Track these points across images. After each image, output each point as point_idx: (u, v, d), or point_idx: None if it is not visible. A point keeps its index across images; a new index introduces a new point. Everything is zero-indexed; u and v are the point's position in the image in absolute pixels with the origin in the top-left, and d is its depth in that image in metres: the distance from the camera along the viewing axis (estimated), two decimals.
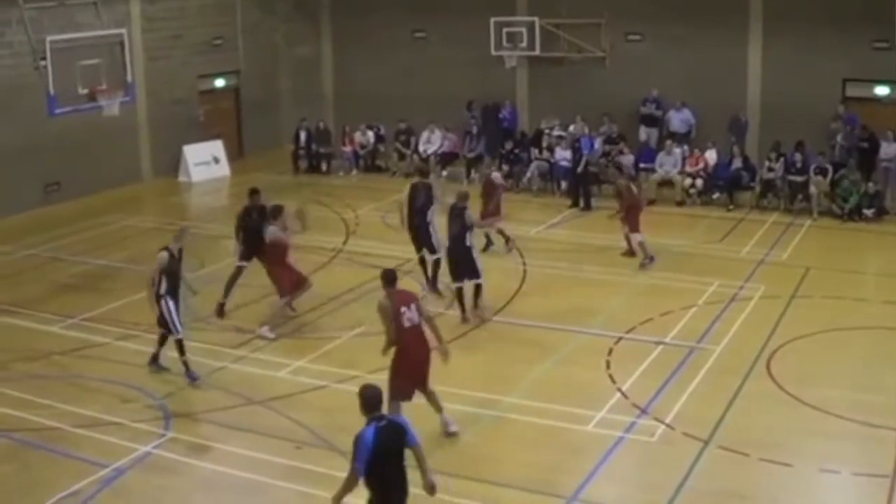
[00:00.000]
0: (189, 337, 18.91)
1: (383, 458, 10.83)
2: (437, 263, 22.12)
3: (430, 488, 11.32)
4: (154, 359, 18.46)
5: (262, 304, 21.30)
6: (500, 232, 24.99)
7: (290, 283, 20.44)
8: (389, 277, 15.51)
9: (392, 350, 15.34)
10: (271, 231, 20.28)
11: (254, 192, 21.57)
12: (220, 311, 21.12)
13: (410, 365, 15.28)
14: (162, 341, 18.39)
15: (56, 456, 15.20)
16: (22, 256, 26.29)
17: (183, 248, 18.57)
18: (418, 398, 15.39)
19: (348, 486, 10.93)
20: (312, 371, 18.31)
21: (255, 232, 20.81)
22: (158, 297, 17.94)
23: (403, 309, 15.10)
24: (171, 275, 18.09)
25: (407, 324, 15.11)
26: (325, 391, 17.47)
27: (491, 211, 24.73)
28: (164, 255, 18.10)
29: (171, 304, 17.98)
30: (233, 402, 17.06)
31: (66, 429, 16.04)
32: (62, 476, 14.50)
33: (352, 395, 16.80)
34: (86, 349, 19.54)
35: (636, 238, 24.24)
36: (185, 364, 18.15)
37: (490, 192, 25.20)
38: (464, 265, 20.69)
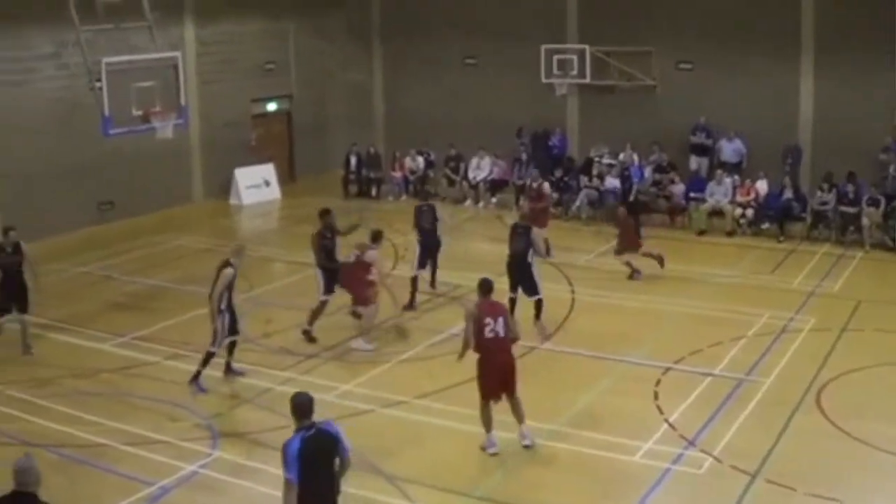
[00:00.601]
0: (239, 357, 19.04)
1: (311, 467, 10.83)
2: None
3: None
4: (229, 367, 18.94)
5: (314, 326, 21.34)
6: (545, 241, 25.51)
7: (371, 293, 20.86)
8: (485, 287, 16.04)
9: (466, 354, 15.88)
10: (370, 255, 20.85)
11: (325, 213, 21.68)
12: (310, 338, 21.17)
13: (489, 372, 15.63)
14: (231, 349, 18.93)
15: (103, 472, 15.29)
16: (75, 274, 26.53)
17: (238, 266, 18.75)
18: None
19: (286, 497, 10.87)
20: (359, 395, 18.30)
21: (329, 252, 21.12)
22: (219, 311, 18.31)
23: (488, 320, 15.50)
24: (231, 290, 18.49)
25: (489, 335, 15.49)
26: (371, 415, 17.45)
27: (541, 223, 25.48)
28: (231, 271, 18.46)
29: (226, 319, 18.38)
30: (280, 423, 17.01)
31: (113, 446, 16.13)
32: (108, 492, 14.60)
33: (398, 420, 17.04)
34: (135, 367, 19.66)
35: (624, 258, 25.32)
36: (198, 374, 18.56)
37: (537, 201, 26.81)
38: (523, 281, 21.34)
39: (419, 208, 24.39)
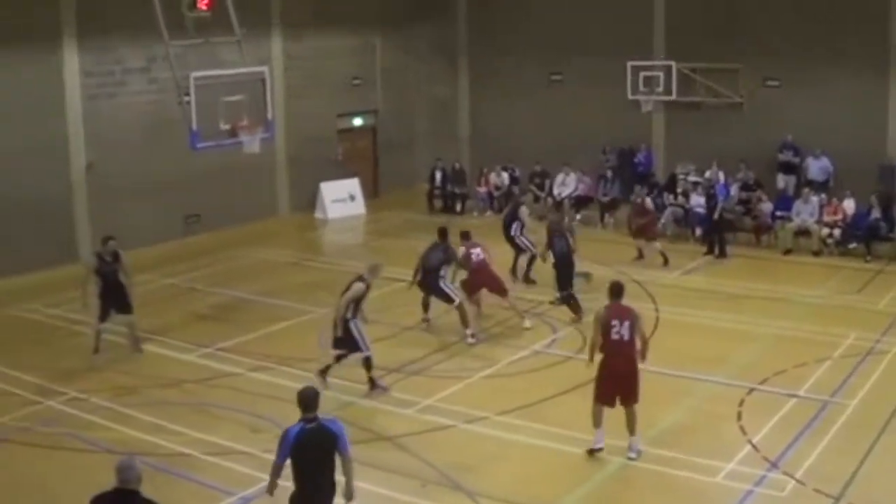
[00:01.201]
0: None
1: (306, 458, 11.46)
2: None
3: (348, 496, 12.00)
4: (324, 372, 19.07)
5: (397, 340, 21.41)
6: (662, 253, 28.27)
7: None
8: (615, 290, 16.28)
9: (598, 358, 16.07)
10: (477, 250, 23.02)
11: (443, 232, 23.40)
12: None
13: (609, 375, 15.90)
14: (338, 359, 19.16)
15: (185, 481, 15.42)
16: (161, 286, 26.83)
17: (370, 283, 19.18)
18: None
19: (272, 474, 11.79)
20: (442, 410, 18.30)
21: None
22: (346, 321, 18.66)
23: (615, 322, 15.74)
24: (359, 302, 18.86)
25: (615, 336, 15.75)
26: (453, 430, 17.45)
27: (649, 234, 28.67)
28: (362, 286, 18.86)
29: (358, 325, 18.81)
30: (361, 437, 17.10)
31: (196, 455, 16.28)
32: (190, 501, 14.75)
33: (480, 436, 17.02)
34: (218, 378, 19.83)
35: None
36: (372, 380, 19.01)
37: (642, 216, 28.91)
38: (565, 277, 23.73)
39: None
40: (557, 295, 23.94)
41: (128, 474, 10.06)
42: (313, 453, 11.51)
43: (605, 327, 15.78)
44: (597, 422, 16.10)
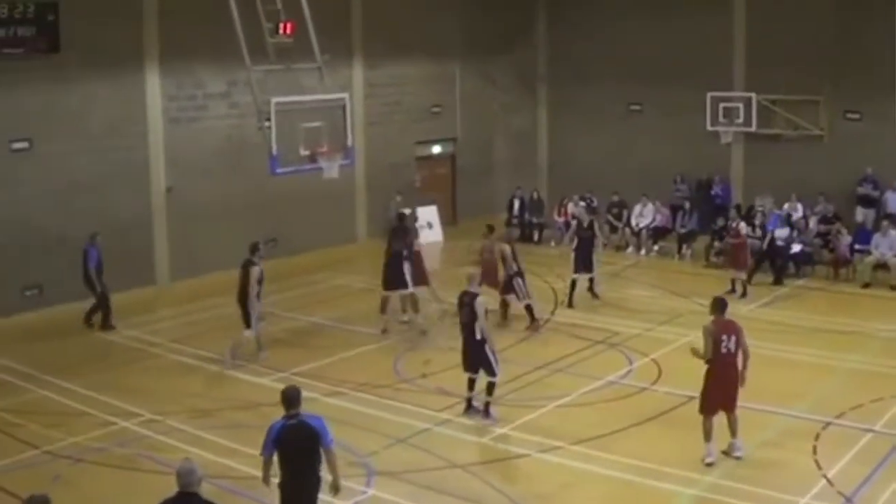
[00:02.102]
0: (396, 397, 19.14)
1: (289, 452, 12.26)
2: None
3: (334, 489, 12.67)
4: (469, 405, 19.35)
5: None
6: (743, 282, 28.14)
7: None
8: (720, 305, 17.18)
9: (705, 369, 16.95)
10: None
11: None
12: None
13: (717, 385, 16.86)
14: (470, 385, 19.27)
15: None
16: (235, 310, 26.96)
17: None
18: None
19: (262, 467, 12.55)
20: (515, 439, 18.25)
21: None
22: (483, 342, 18.75)
23: (724, 337, 16.68)
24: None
25: (723, 350, 16.68)
26: (526, 459, 17.40)
27: (741, 261, 28.18)
28: (484, 299, 19.18)
29: (492, 348, 18.92)
30: (435, 464, 17.13)
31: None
32: None
33: (554, 466, 16.96)
34: None
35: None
36: (487, 406, 19.12)
37: (735, 238, 28.44)
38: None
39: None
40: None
41: (189, 478, 10.59)
42: (295, 447, 12.24)
43: (715, 340, 16.62)
44: (708, 436, 16.92)
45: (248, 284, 22.47)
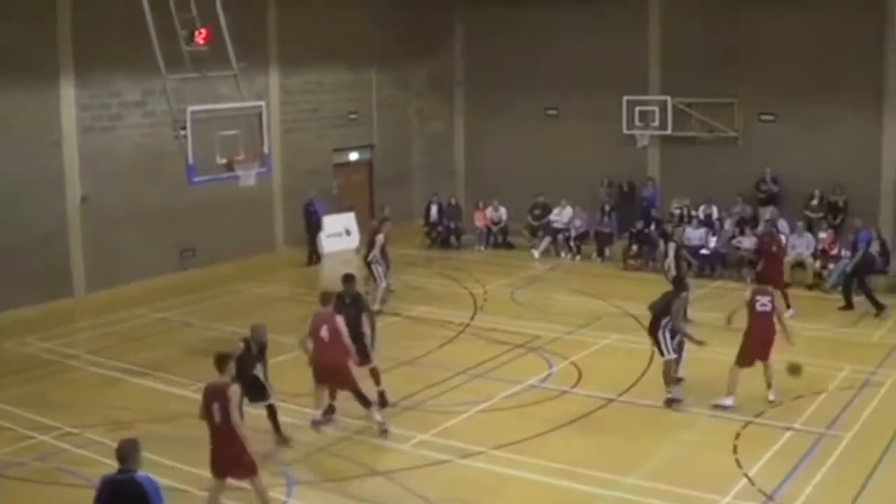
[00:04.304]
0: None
1: None
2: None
3: None
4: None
5: (393, 375, 21.28)
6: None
7: None
8: (761, 278, 22.49)
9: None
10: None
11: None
12: None
13: (753, 341, 19.67)
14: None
15: None
16: (155, 320, 26.82)
17: None
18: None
19: None
20: (436, 444, 18.24)
21: None
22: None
23: (759, 297, 19.75)
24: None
25: (760, 309, 19.69)
26: (448, 465, 17.40)
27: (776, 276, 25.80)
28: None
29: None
30: (357, 471, 17.10)
31: (192, 491, 16.17)
32: None
33: (476, 471, 16.96)
34: None
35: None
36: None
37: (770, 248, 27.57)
38: None
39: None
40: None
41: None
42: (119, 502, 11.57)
43: (751, 303, 19.70)
44: (732, 387, 19.59)
45: None
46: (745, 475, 16.63)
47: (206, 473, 16.65)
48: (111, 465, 16.70)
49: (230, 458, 14.56)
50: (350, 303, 19.87)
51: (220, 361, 14.73)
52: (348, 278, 20.28)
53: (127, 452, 11.80)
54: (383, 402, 19.94)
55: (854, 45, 31.44)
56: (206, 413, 14.63)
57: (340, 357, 18.18)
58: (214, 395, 14.52)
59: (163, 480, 16.20)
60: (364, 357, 19.66)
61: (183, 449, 17.98)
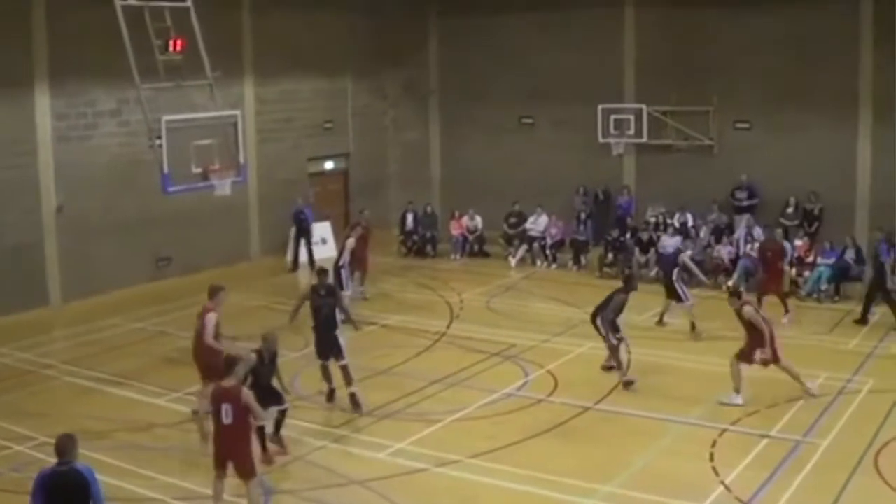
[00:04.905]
0: (294, 414, 19.01)
1: (58, 500, 11.86)
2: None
3: None
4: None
5: (368, 384, 21.26)
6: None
7: None
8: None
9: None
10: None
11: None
12: None
13: (754, 345, 20.29)
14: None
15: None
16: (130, 329, 26.73)
17: None
18: None
19: None
20: (412, 453, 18.22)
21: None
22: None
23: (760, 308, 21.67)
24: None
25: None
26: (424, 474, 17.38)
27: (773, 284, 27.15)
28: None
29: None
30: (333, 480, 17.07)
31: (166, 500, 16.16)
32: None
33: (451, 480, 16.96)
34: (188, 423, 19.62)
35: None
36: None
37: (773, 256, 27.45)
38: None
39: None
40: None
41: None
42: (64, 496, 11.87)
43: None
44: (737, 385, 20.28)
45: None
46: (722, 483, 16.65)
47: (181, 482, 16.71)
48: None
49: (234, 456, 15.10)
50: (325, 294, 20.77)
51: (229, 365, 15.29)
52: (321, 272, 21.61)
53: (66, 446, 12.14)
54: (355, 405, 20.16)
55: (828, 53, 31.62)
56: (216, 414, 14.91)
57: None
58: (224, 397, 14.89)
59: (137, 490, 16.35)
60: (339, 354, 20.30)
61: (157, 458, 17.96)
